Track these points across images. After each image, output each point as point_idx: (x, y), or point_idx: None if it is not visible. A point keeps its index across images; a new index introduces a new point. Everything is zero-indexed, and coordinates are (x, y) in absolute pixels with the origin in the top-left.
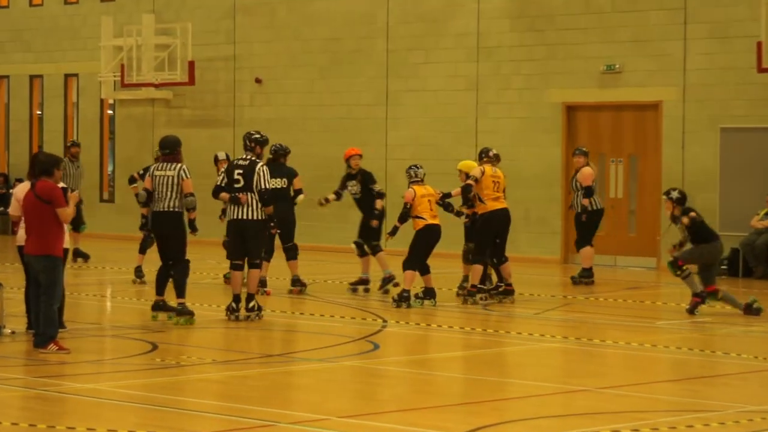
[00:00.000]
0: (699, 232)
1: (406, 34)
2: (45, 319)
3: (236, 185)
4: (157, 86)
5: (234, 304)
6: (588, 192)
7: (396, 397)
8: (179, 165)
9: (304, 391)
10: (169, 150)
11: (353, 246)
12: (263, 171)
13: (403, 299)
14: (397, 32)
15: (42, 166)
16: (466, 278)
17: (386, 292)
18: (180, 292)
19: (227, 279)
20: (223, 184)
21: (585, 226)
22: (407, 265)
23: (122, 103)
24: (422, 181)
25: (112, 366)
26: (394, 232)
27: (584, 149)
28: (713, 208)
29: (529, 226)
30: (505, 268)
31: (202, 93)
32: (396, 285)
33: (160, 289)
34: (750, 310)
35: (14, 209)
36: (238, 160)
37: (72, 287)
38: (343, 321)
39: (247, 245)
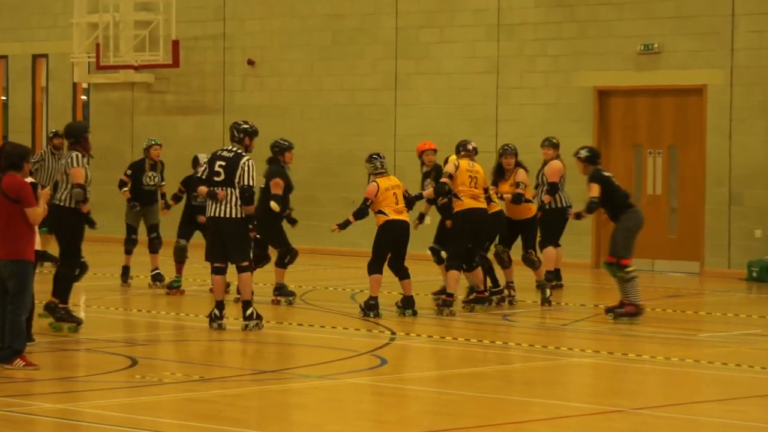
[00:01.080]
0: (613, 200)
1: (417, 9)
2: (11, 331)
3: (216, 178)
4: (136, 68)
5: (217, 312)
6: (553, 188)
7: (406, 419)
8: (72, 153)
9: (302, 412)
10: (75, 138)
11: (429, 252)
12: (248, 165)
13: (370, 308)
14: (406, 7)
15: (9, 158)
16: (470, 289)
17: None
18: (61, 296)
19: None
20: (203, 177)
21: (549, 225)
22: (370, 268)
23: (98, 88)
24: (386, 171)
25: (86, 384)
26: (344, 225)
27: (555, 140)
28: (764, 205)
29: None
30: (477, 274)
31: (188, 76)
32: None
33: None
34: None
35: None
36: (223, 150)
37: (42, 295)
38: (346, 333)
39: (225, 247)
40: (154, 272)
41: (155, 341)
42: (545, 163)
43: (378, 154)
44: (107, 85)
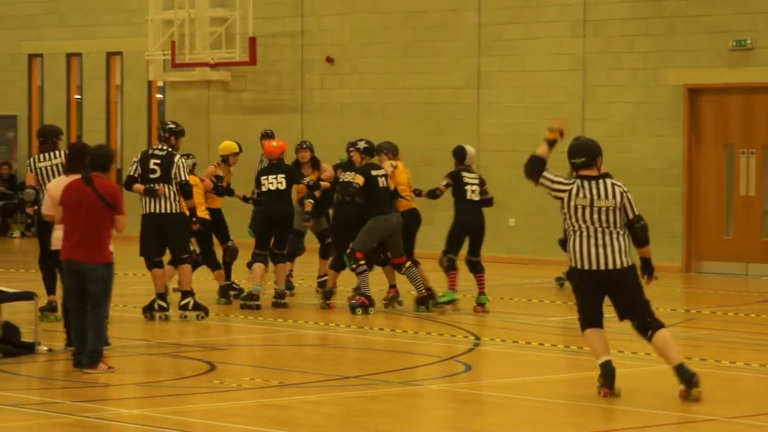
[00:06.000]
0: (370, 198)
1: (501, 5)
2: (95, 334)
3: (152, 176)
4: (213, 66)
5: (162, 303)
6: None
7: (490, 426)
8: (62, 152)
9: (383, 419)
10: (44, 138)
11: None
12: (182, 163)
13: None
14: (489, 3)
15: (97, 159)
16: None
17: None
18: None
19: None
20: (136, 175)
21: None
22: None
23: (173, 86)
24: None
25: (163, 389)
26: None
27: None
28: None
29: None
30: (388, 270)
31: (265, 74)
32: None
33: (52, 288)
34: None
35: (49, 207)
36: (154, 149)
37: (115, 298)
38: (429, 338)
39: (167, 240)
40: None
41: (233, 345)
42: None
43: (189, 153)
44: (183, 84)
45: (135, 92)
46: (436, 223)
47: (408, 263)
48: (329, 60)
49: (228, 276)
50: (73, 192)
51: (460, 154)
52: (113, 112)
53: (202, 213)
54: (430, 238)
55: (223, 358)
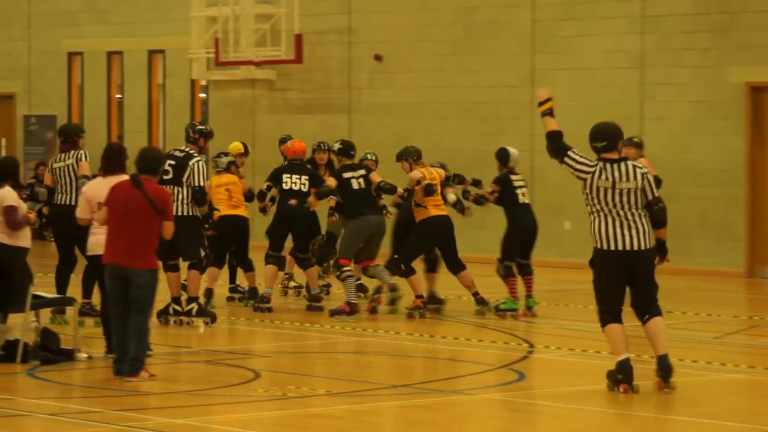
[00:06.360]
0: (345, 201)
1: (555, 1)
2: (137, 342)
3: (165, 177)
4: (257, 64)
5: (175, 307)
6: (657, 181)
7: None
8: (77, 152)
9: (434, 429)
10: (64, 137)
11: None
12: (198, 166)
13: (208, 297)
14: None
15: (146, 162)
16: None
17: None
18: (85, 291)
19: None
20: None
21: None
22: (207, 263)
23: (217, 85)
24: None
25: (206, 398)
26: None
27: (637, 139)
28: None
29: (705, 232)
30: (310, 273)
31: (312, 72)
32: None
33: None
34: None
35: (84, 211)
36: (174, 150)
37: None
38: (481, 345)
39: (176, 245)
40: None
41: (277, 353)
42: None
43: (225, 152)
44: (227, 82)
45: (177, 91)
46: (489, 227)
47: (347, 267)
48: (377, 58)
49: (233, 279)
50: (120, 194)
51: (504, 156)
52: (155, 112)
53: (242, 212)
54: (483, 242)
55: (267, 365)
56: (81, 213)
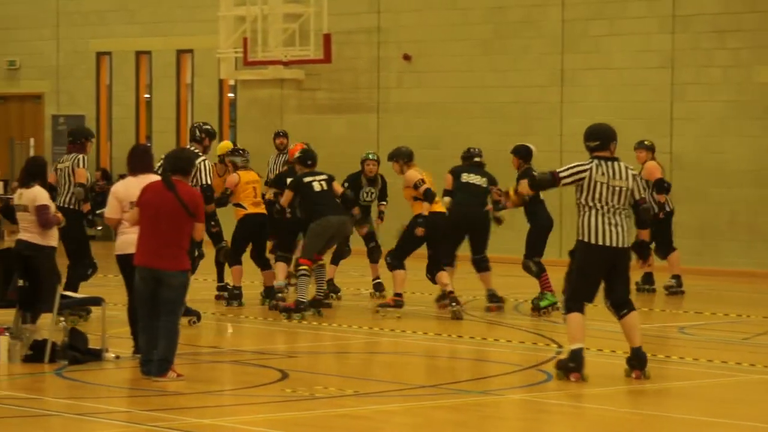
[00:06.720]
0: (308, 203)
1: (586, 0)
2: (167, 342)
3: None
4: (286, 64)
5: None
6: (660, 185)
7: None
8: (76, 156)
9: (462, 429)
10: (73, 138)
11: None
12: (204, 165)
13: (234, 297)
14: None
15: (178, 163)
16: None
17: None
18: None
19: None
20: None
21: (665, 230)
22: (231, 261)
23: (245, 85)
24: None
25: (233, 398)
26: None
27: (647, 142)
28: None
29: (736, 233)
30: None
31: (340, 72)
32: None
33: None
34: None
35: (114, 210)
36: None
37: None
38: (509, 346)
39: None
40: (376, 281)
41: (304, 353)
42: (642, 166)
43: (242, 149)
44: (255, 82)
45: (206, 91)
46: (516, 227)
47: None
48: (406, 57)
49: (221, 277)
50: (152, 195)
51: (527, 153)
52: (183, 112)
53: (263, 210)
54: (509, 242)
55: (294, 365)
56: (111, 213)
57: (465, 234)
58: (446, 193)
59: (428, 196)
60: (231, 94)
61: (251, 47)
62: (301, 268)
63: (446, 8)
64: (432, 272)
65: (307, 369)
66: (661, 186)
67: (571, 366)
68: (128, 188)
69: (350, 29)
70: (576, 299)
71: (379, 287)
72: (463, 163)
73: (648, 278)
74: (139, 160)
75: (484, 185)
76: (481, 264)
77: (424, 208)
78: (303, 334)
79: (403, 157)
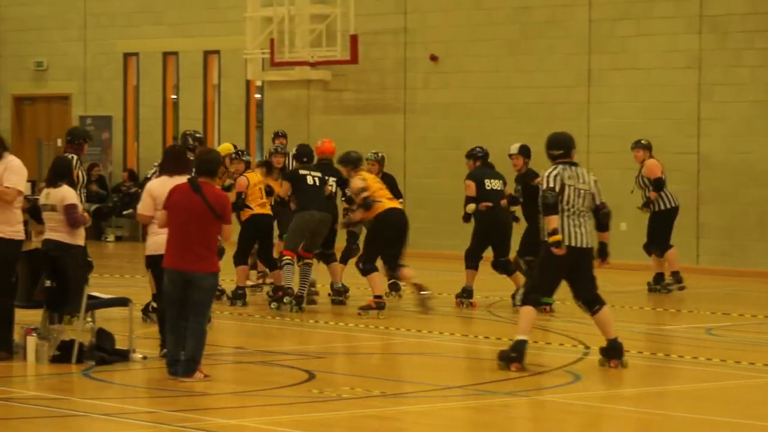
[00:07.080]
0: (295, 195)
1: (612, 0)
2: (194, 342)
3: None
4: (313, 65)
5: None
6: (658, 183)
7: None
8: (72, 156)
9: (490, 430)
10: (71, 138)
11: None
12: None
13: (238, 297)
14: None
15: (204, 165)
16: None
17: None
18: None
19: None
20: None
21: (661, 227)
22: (237, 261)
23: (272, 85)
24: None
25: (260, 398)
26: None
27: (644, 141)
28: None
29: (764, 233)
30: (333, 268)
31: (367, 73)
32: None
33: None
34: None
35: (147, 208)
36: None
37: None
38: (536, 347)
39: None
40: (391, 282)
41: (330, 353)
42: (641, 165)
43: (242, 150)
44: (282, 83)
45: (233, 92)
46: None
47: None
48: (433, 58)
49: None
50: (179, 197)
51: (529, 153)
52: (210, 113)
53: (269, 211)
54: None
55: (321, 366)
56: (143, 209)
57: (494, 240)
58: (470, 200)
59: (366, 206)
60: (258, 95)
61: (278, 48)
62: (285, 258)
63: (472, 9)
64: (392, 271)
65: (334, 370)
66: (659, 185)
67: (513, 356)
68: (164, 187)
69: (377, 30)
70: (535, 292)
71: (395, 287)
72: (475, 165)
73: (659, 278)
74: (175, 162)
75: (502, 188)
76: (507, 266)
77: (373, 213)
78: (330, 335)
79: (350, 163)
